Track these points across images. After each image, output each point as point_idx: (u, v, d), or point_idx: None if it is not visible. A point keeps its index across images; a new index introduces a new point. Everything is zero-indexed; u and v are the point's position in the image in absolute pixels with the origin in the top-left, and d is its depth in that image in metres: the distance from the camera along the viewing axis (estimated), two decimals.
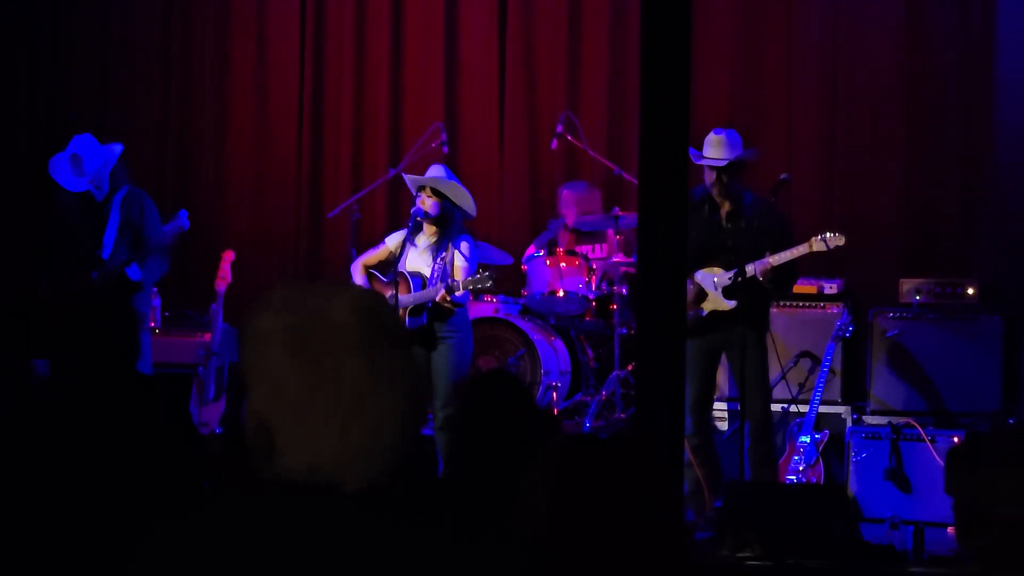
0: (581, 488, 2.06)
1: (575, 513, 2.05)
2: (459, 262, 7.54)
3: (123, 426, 4.07)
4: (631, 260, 8.84)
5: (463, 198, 7.62)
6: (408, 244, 7.65)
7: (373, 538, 1.78)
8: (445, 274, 7.49)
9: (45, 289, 7.69)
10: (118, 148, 7.74)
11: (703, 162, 7.21)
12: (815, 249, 7.24)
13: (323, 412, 1.80)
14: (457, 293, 7.40)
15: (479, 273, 7.47)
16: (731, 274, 7.23)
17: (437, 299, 7.39)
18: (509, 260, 8.15)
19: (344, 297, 1.84)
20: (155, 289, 8.00)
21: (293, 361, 1.81)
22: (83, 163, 7.69)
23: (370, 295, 1.89)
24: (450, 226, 7.59)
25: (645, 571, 2.03)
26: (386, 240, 7.85)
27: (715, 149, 7.24)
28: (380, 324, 1.85)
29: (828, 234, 7.25)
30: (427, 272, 7.56)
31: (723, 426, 7.99)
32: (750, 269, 7.17)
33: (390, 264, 7.73)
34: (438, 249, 7.57)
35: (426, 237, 7.65)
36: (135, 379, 4.32)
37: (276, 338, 1.83)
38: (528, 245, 9.32)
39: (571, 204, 9.31)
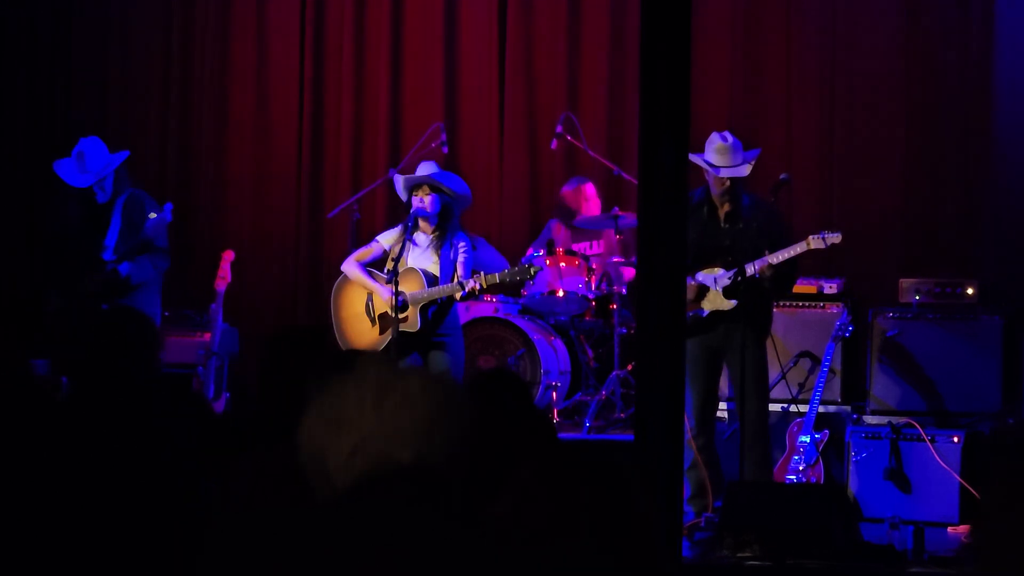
0: (556, 497, 2.08)
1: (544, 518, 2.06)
2: (460, 258, 7.59)
3: (139, 427, 4.08)
4: (630, 260, 8.84)
5: (460, 186, 7.68)
6: (408, 241, 7.63)
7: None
8: (467, 270, 7.54)
9: (55, 302, 7.69)
10: (123, 153, 7.80)
11: (726, 173, 7.16)
12: (812, 247, 7.25)
13: (354, 400, 2.02)
14: (485, 285, 7.45)
15: (518, 267, 7.61)
16: (731, 273, 7.24)
17: (461, 293, 7.43)
18: (506, 266, 8.11)
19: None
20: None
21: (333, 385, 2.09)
22: (87, 161, 7.72)
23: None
24: (450, 222, 7.62)
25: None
26: (377, 238, 7.84)
27: (723, 156, 7.18)
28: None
29: (825, 232, 7.26)
30: (434, 269, 7.58)
31: (722, 426, 7.98)
32: (750, 269, 7.17)
33: (382, 262, 7.73)
34: (440, 246, 7.60)
35: (425, 235, 7.67)
36: (152, 381, 4.34)
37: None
38: (527, 247, 9.31)
39: (591, 198, 9.31)
